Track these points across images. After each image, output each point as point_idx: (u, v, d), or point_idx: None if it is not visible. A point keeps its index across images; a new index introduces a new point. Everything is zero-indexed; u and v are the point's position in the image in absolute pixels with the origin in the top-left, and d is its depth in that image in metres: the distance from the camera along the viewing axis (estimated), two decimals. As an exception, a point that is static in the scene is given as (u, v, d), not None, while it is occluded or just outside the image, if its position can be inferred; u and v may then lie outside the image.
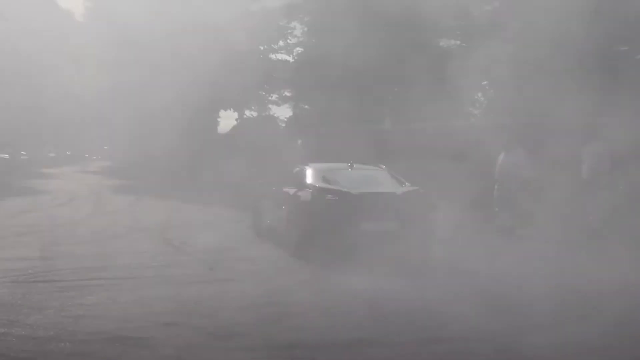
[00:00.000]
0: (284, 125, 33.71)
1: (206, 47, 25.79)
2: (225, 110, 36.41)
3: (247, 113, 36.68)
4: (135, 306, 7.51)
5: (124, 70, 29.77)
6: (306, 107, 32.10)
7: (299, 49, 34.09)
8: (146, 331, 6.50)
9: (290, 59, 35.07)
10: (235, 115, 36.45)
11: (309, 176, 11.30)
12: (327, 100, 25.43)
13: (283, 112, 42.85)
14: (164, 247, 11.72)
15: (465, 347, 6.30)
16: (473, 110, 27.18)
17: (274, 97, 36.31)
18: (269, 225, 12.40)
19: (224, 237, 12.69)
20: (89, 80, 32.70)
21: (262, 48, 34.38)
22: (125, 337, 6.33)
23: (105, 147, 58.98)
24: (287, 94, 35.34)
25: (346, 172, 11.47)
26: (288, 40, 35.01)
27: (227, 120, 37.59)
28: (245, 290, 8.46)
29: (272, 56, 35.36)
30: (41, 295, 7.95)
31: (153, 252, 11.03)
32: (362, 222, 10.05)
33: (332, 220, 10.06)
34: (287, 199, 11.32)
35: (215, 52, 25.56)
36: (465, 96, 23.16)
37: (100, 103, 35.46)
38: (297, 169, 12.08)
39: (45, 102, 39.00)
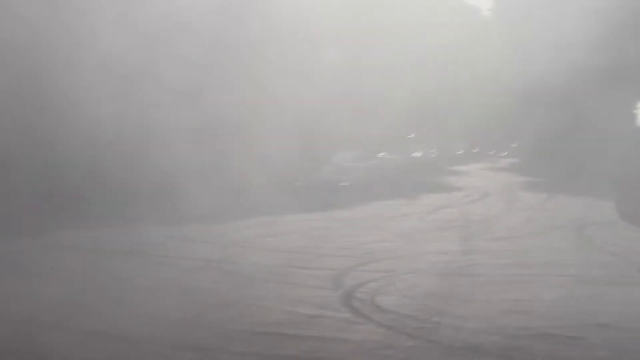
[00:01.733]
0: None
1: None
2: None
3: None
4: (561, 304, 7.35)
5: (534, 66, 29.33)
6: None
7: None
8: (577, 330, 6.30)
9: None
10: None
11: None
12: None
13: None
14: (584, 245, 11.32)
15: None
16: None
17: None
18: None
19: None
20: (496, 76, 32.98)
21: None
22: (554, 335, 6.21)
23: (513, 145, 58.96)
24: None
25: None
26: None
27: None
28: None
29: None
30: (466, 288, 8.26)
31: (572, 250, 10.73)
32: None
33: None
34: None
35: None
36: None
37: (507, 99, 35.49)
38: None
39: (451, 98, 40.32)
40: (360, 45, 24.59)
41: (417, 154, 40.66)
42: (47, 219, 15.64)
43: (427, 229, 13.49)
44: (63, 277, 9.41)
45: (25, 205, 15.26)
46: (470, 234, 12.85)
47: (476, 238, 12.25)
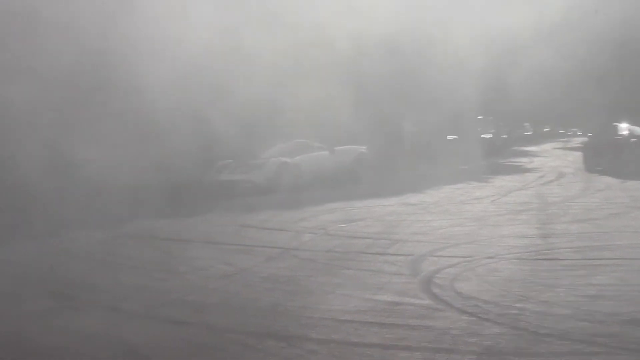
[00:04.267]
0: None
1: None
2: None
3: None
4: (651, 289, 7.12)
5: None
6: None
7: None
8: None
9: None
10: None
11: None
12: None
13: None
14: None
15: None
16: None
17: None
18: None
19: None
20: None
21: None
22: (645, 321, 6.02)
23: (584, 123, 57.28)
24: None
25: None
26: None
27: None
28: None
29: None
30: (548, 273, 8.06)
31: (657, 232, 10.38)
32: None
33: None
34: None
35: None
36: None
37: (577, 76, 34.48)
38: None
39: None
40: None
41: (488, 135, 39.98)
42: (122, 211, 16.06)
43: (502, 212, 13.25)
44: (144, 267, 9.63)
45: (101, 199, 15.67)
46: (548, 216, 12.57)
47: (554, 221, 11.97)
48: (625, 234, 10.24)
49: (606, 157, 21.49)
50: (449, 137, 28.16)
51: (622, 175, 19.55)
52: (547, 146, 41.55)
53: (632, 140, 21.37)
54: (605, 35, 23.12)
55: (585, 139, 28.68)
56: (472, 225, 11.74)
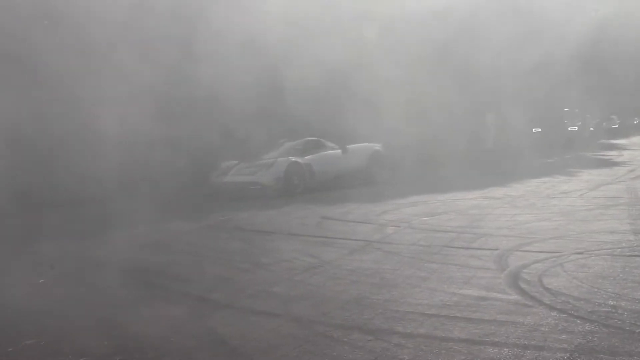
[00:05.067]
0: None
1: None
2: None
3: None
4: None
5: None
6: None
7: None
8: None
9: None
10: None
11: None
12: None
13: None
14: None
15: None
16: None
17: None
18: None
19: None
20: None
21: None
22: None
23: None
24: None
25: None
26: None
27: None
28: None
29: None
30: (641, 270, 7.79)
31: None
32: None
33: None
34: None
35: None
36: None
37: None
38: None
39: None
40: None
41: (574, 128, 39.03)
42: (203, 202, 16.42)
43: (591, 206, 12.84)
44: (230, 258, 9.81)
45: (183, 190, 16.06)
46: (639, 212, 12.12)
47: (647, 216, 11.54)
48: None
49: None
50: (534, 130, 27.52)
51: None
52: (637, 139, 40.08)
53: None
54: None
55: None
56: (560, 219, 11.44)
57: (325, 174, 17.77)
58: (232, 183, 16.88)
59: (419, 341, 5.69)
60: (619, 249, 8.90)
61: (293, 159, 17.15)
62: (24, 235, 12.39)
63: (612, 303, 6.45)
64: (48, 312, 7.23)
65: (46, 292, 8.18)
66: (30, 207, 14.69)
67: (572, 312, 6.24)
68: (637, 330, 5.67)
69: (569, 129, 35.92)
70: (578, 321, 5.98)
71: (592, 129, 44.97)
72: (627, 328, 5.75)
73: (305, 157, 17.60)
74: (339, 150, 18.47)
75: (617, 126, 53.60)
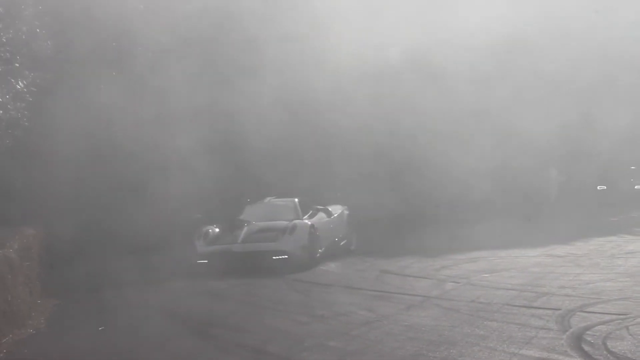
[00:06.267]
0: None
1: None
2: None
3: None
4: None
5: None
6: None
7: None
8: None
9: None
10: None
11: None
12: None
13: None
14: None
15: None
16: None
17: None
18: None
19: None
20: None
21: None
22: None
23: None
24: None
25: None
26: None
27: None
28: None
29: None
30: None
31: None
32: None
33: None
34: None
35: None
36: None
37: None
38: None
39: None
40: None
41: (638, 187, 38.09)
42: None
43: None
44: (286, 309, 9.83)
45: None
46: None
47: None
48: None
49: None
50: (598, 188, 26.91)
51: None
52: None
53: None
54: None
55: None
56: (625, 280, 11.09)
57: (326, 239, 14.86)
58: (246, 253, 13.57)
59: (478, 402, 5.58)
60: None
61: (308, 222, 14.32)
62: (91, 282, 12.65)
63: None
64: None
65: (105, 340, 8.32)
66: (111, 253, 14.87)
67: (638, 377, 6.04)
68: None
69: (636, 187, 35.01)
70: (644, 387, 5.78)
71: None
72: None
73: (311, 220, 14.66)
74: (324, 214, 15.49)
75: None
